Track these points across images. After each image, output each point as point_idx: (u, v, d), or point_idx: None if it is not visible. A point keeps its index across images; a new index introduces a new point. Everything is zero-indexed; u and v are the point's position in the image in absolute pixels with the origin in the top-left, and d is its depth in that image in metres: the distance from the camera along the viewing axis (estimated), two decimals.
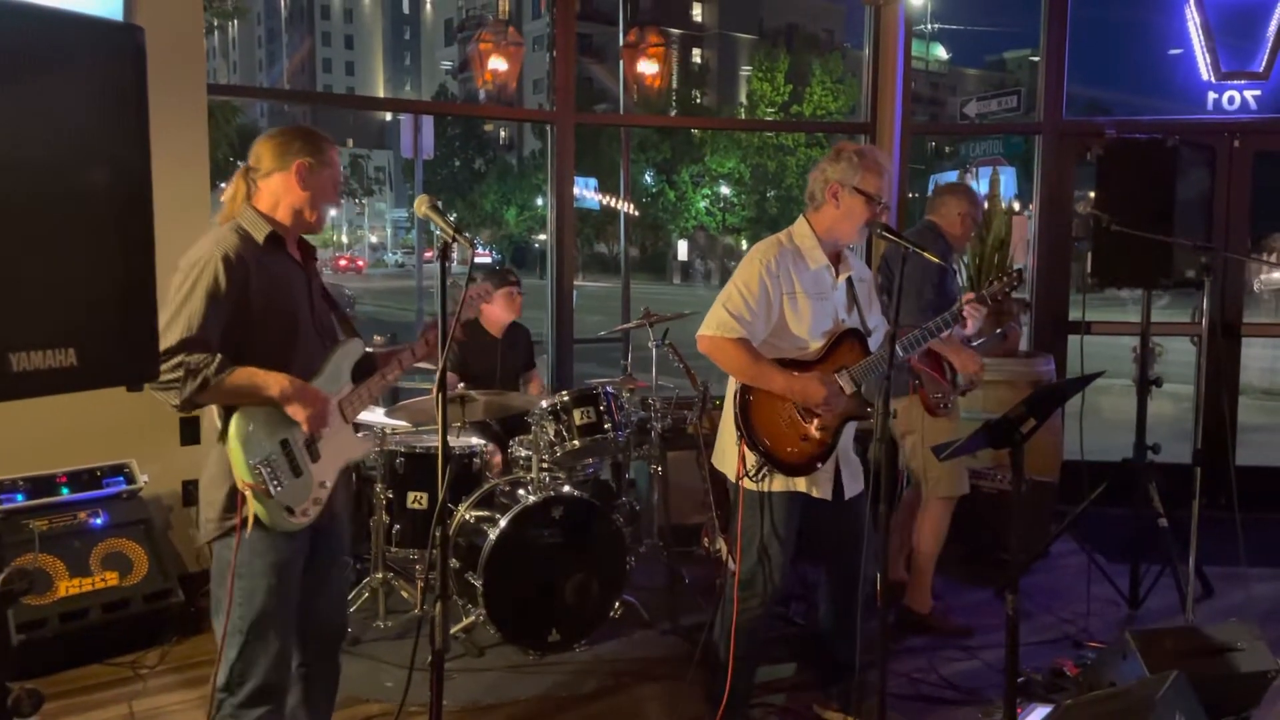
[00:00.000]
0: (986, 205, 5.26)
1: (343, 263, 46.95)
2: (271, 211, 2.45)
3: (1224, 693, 2.88)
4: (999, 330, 4.42)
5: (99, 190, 1.47)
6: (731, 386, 3.05)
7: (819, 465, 3.02)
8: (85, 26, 1.46)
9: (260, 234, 2.40)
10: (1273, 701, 3.08)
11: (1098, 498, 4.54)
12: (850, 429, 3.13)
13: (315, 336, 2.51)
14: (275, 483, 2.33)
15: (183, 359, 2.20)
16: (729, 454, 3.06)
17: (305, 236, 2.57)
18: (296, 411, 2.36)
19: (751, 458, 2.97)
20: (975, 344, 3.83)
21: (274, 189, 2.44)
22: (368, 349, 2.66)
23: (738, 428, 2.98)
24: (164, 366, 2.16)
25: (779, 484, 3.02)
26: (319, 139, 2.49)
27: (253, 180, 2.46)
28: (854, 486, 3.15)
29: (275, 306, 2.40)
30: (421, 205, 2.40)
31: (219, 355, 2.25)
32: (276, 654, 2.40)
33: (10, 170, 1.34)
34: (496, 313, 4.76)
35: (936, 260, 2.84)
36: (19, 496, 3.77)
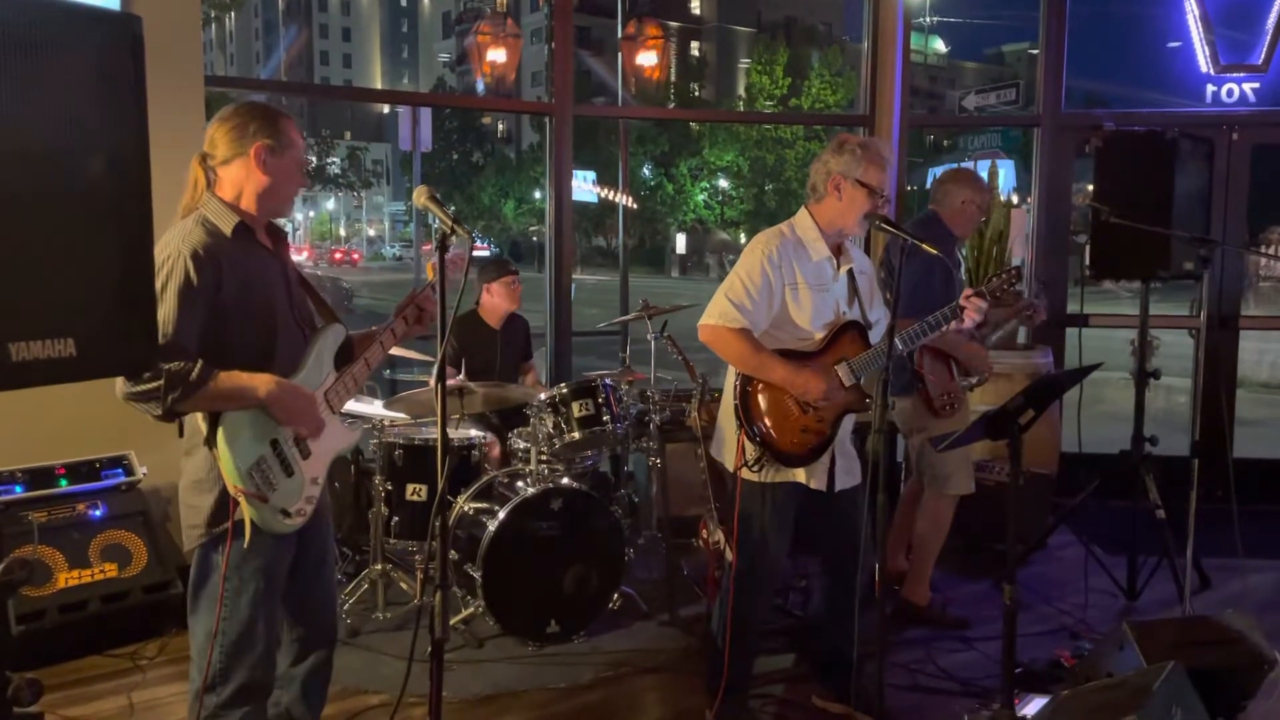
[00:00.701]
0: None
1: (338, 255, 46.96)
2: (236, 200, 2.31)
3: (1221, 683, 2.89)
4: (1027, 307, 4.31)
5: (97, 181, 1.46)
6: (731, 377, 3.05)
7: (817, 456, 3.02)
8: (83, 16, 1.45)
9: (227, 225, 2.26)
10: (1269, 692, 3.08)
11: (1095, 490, 4.55)
12: (849, 421, 3.13)
13: (295, 327, 2.40)
14: (269, 486, 2.24)
15: (161, 367, 2.04)
16: (728, 444, 3.06)
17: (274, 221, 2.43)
18: (286, 417, 2.27)
19: (751, 448, 2.97)
20: (994, 336, 3.80)
21: (235, 176, 2.30)
22: (349, 333, 2.56)
23: (737, 418, 2.99)
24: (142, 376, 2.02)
25: (777, 475, 3.02)
26: (277, 117, 2.34)
27: (211, 167, 2.31)
28: (846, 480, 3.15)
29: (252, 301, 2.27)
30: (420, 196, 2.33)
31: (199, 361, 2.12)
32: (261, 654, 2.35)
33: (8, 161, 1.34)
34: (497, 303, 4.76)
35: (933, 251, 2.83)
36: (18, 488, 3.77)
